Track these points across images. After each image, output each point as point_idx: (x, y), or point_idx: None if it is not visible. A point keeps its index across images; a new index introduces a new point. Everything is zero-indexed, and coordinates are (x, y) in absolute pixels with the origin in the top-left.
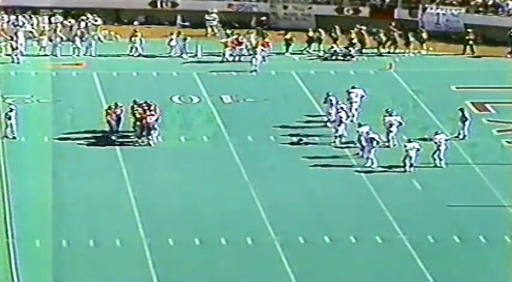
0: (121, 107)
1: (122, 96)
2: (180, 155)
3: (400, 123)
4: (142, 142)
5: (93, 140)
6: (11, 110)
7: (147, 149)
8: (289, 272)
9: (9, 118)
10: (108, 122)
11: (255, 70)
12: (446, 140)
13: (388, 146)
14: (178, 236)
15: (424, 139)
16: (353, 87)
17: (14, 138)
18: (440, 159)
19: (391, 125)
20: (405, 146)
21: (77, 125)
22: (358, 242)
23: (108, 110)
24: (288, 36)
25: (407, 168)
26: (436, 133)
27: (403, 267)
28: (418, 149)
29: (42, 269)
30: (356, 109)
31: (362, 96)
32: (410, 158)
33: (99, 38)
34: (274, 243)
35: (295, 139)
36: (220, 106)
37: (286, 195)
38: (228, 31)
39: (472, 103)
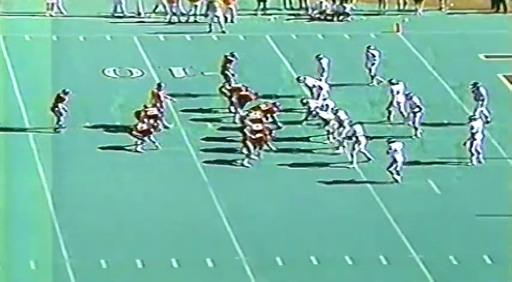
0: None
1: (37, 68)
2: (121, 150)
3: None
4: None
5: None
6: None
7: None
8: None
9: None
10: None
11: (223, 31)
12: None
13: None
14: (113, 257)
15: (443, 124)
16: (369, 48)
17: None
18: (478, 153)
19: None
20: (390, 148)
21: None
22: (356, 264)
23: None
24: None
25: (395, 176)
26: (471, 118)
27: None
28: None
29: None
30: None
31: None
32: (396, 162)
33: None
34: (242, 265)
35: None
36: (170, 81)
37: (258, 202)
38: None
39: (505, 76)
